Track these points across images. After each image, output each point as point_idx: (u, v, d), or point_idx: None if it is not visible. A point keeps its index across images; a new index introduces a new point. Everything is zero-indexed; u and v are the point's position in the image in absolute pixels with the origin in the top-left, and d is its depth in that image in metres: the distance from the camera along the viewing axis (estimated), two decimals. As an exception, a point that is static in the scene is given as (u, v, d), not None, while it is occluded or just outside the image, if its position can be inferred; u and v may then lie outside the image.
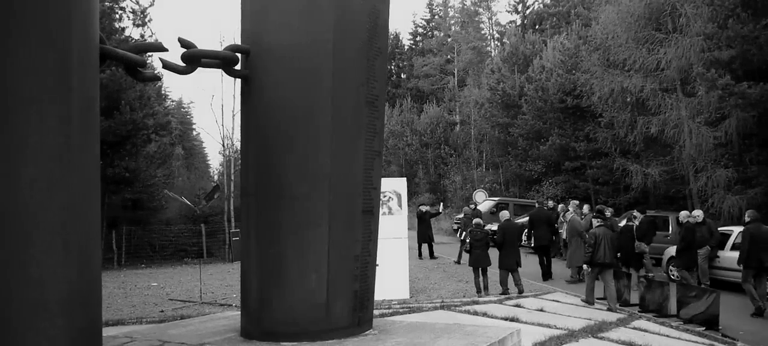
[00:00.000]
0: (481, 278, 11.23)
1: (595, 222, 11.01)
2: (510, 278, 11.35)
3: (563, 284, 13.36)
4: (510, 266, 11.17)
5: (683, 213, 12.78)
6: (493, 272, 11.81)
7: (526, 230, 15.79)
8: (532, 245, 15.10)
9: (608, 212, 12.74)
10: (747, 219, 11.01)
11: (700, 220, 12.25)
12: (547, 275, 13.98)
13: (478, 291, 11.23)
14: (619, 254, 12.83)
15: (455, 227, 24.03)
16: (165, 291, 12.98)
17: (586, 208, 15.05)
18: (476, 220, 11.91)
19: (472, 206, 19.37)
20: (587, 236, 11.22)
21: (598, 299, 11.29)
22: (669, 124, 19.62)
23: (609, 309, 10.17)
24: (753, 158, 18.41)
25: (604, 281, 10.43)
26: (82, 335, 2.80)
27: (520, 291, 11.18)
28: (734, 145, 18.67)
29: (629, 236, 12.68)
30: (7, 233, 2.54)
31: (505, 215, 12.07)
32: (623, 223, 14.16)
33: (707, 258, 12.07)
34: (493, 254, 11.66)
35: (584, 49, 26.73)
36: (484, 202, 25.43)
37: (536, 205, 15.83)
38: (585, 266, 10.76)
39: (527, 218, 16.29)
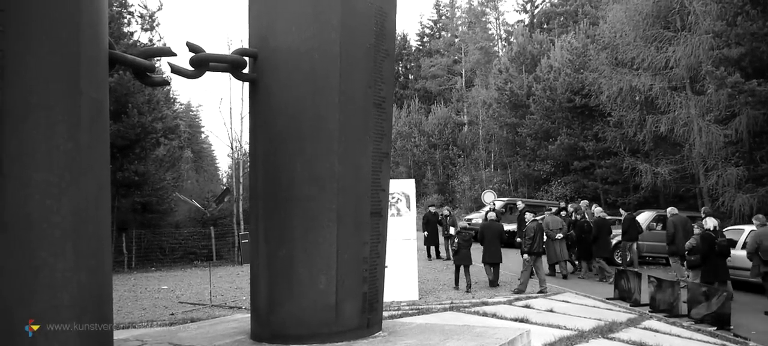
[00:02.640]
0: (463, 275, 12.21)
1: (530, 216, 12.93)
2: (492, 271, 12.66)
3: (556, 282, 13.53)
4: (489, 260, 12.52)
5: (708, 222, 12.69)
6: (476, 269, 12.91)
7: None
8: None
9: (570, 208, 15.69)
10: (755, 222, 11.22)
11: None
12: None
13: (456, 284, 12.31)
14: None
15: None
16: (175, 294, 13.02)
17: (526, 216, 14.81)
18: (462, 223, 13.92)
19: (489, 206, 19.81)
20: (524, 230, 12.71)
21: (608, 298, 11.28)
22: (678, 122, 19.52)
23: (541, 291, 11.56)
24: (764, 156, 18.27)
25: (536, 267, 12.08)
26: (94, 339, 2.81)
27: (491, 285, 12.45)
28: (745, 143, 18.54)
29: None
30: (18, 238, 2.56)
31: (491, 215, 13.54)
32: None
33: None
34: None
35: (592, 48, 26.64)
36: (493, 202, 25.41)
37: (518, 204, 16.63)
38: (524, 256, 12.08)
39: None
